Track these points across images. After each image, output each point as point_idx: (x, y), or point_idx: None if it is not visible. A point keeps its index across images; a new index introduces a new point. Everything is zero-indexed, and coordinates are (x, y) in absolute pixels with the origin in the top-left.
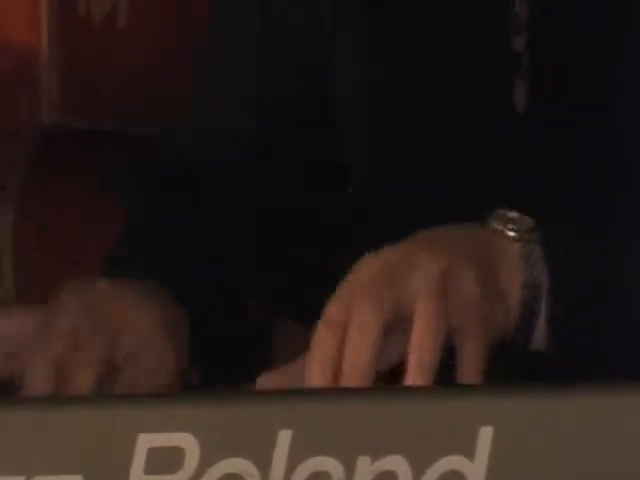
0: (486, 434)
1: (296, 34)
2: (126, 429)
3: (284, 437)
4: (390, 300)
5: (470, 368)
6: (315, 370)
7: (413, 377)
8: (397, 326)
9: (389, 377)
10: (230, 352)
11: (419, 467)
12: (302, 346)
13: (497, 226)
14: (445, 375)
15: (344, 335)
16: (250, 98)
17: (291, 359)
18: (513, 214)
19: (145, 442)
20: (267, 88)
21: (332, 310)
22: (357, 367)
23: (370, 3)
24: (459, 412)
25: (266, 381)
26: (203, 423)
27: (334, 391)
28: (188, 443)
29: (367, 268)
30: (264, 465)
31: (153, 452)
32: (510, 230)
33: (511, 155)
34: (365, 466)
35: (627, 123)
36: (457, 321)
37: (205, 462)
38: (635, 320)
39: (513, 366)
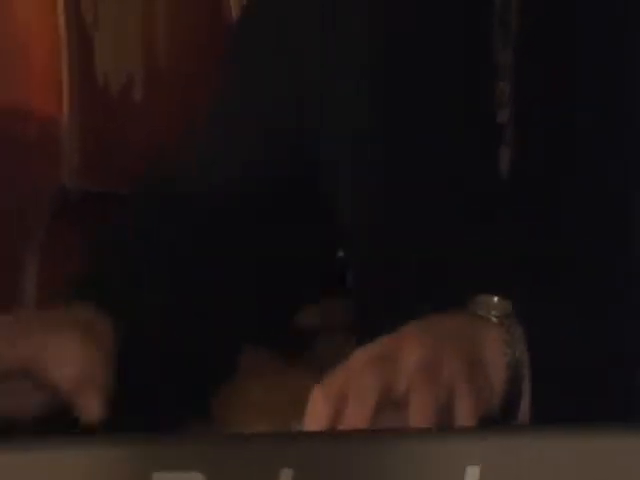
0: (473, 473)
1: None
2: (140, 468)
3: (285, 475)
4: (384, 385)
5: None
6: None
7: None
8: (388, 406)
9: None
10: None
11: None
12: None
13: (481, 312)
14: None
15: (339, 409)
16: (245, 163)
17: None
18: (494, 300)
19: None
20: (264, 155)
21: (330, 385)
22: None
23: (361, 77)
24: (447, 452)
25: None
26: (212, 462)
27: (332, 434)
28: None
29: (363, 355)
30: None
31: None
32: (493, 316)
33: (496, 220)
34: None
35: (607, 192)
36: (447, 400)
37: None
38: (616, 390)
39: None
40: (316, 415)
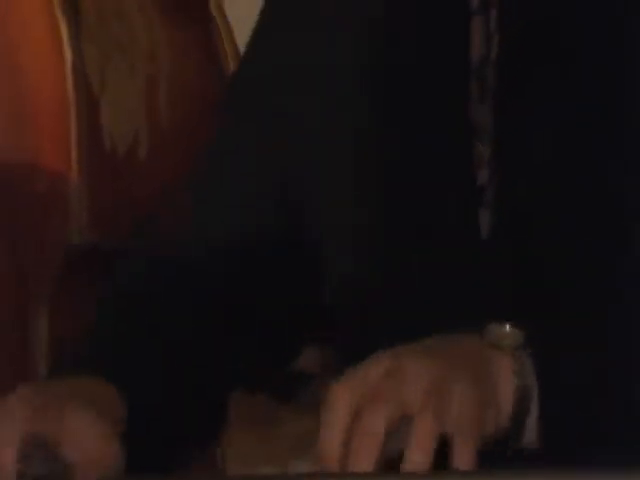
0: None
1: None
2: None
3: None
4: (395, 404)
5: (462, 466)
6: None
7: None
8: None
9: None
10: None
11: None
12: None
13: (492, 340)
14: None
15: (351, 424)
16: (233, 219)
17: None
18: (506, 328)
19: None
20: (250, 213)
21: (341, 400)
22: (364, 462)
23: (346, 141)
24: None
25: None
26: None
27: (330, 475)
28: None
29: (373, 369)
30: None
31: None
32: (504, 344)
33: (478, 279)
34: None
35: (587, 248)
36: (452, 423)
37: None
38: (621, 416)
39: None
40: (329, 452)
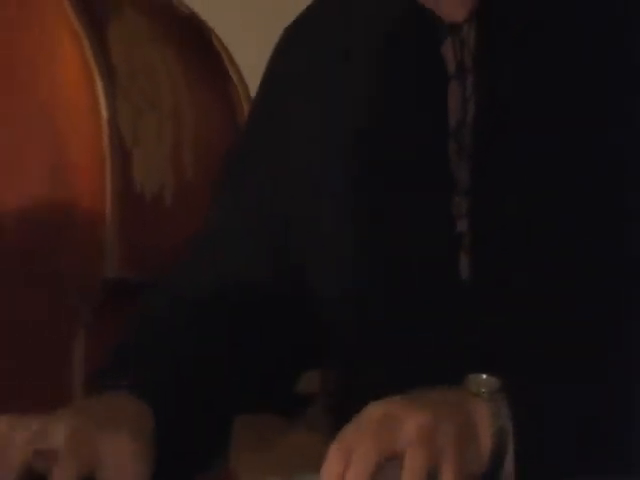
0: None
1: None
2: None
3: None
4: (386, 444)
5: None
6: (333, 466)
7: None
8: (391, 459)
9: None
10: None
11: None
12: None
13: (472, 388)
14: None
15: (349, 462)
16: (241, 269)
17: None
18: (483, 377)
19: None
20: (257, 263)
21: (342, 441)
22: None
23: (338, 201)
24: None
25: None
26: None
27: None
28: None
29: (371, 414)
30: None
31: None
32: (483, 392)
33: (459, 318)
34: None
35: (560, 288)
36: (439, 461)
37: None
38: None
39: None
40: (331, 473)
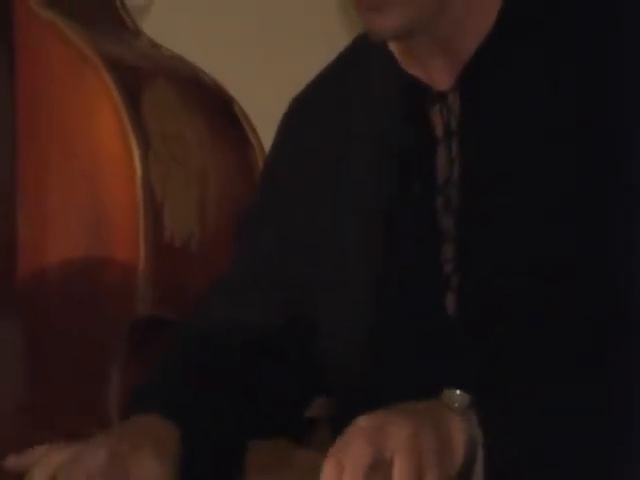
0: None
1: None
2: None
3: None
4: (375, 449)
5: None
6: (330, 473)
7: None
8: (379, 465)
9: None
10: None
11: None
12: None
13: (448, 402)
14: None
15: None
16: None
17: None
18: (457, 393)
19: None
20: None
21: (336, 449)
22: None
23: (343, 253)
24: None
25: None
26: None
27: None
28: None
29: (362, 423)
30: None
31: None
32: (456, 406)
33: (445, 348)
34: None
35: (538, 333)
36: (423, 464)
37: None
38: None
39: None
40: (330, 472)
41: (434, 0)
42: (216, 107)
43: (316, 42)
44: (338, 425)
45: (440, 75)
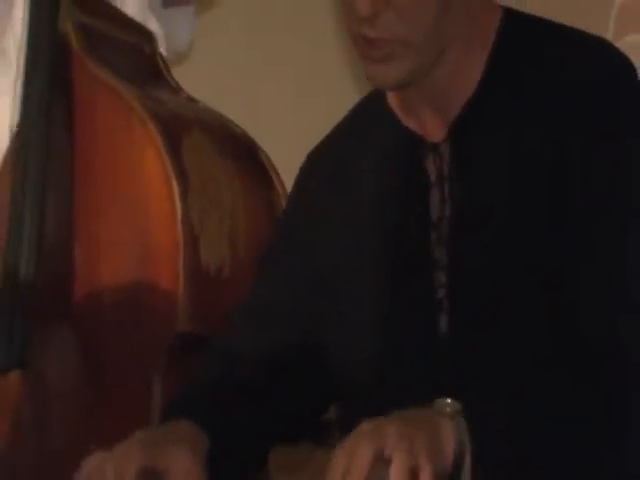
0: None
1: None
2: None
3: None
4: (377, 447)
5: None
6: (338, 467)
7: None
8: (379, 461)
9: None
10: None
11: None
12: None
13: (440, 409)
14: None
15: (351, 460)
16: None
17: None
18: (448, 401)
19: None
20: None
21: (344, 446)
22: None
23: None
24: None
25: None
26: None
27: None
28: None
29: (365, 426)
30: None
31: None
32: (447, 412)
33: (440, 365)
34: None
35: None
36: (418, 461)
37: None
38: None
39: None
40: (335, 469)
41: (431, 54)
42: (244, 154)
43: (331, 99)
44: (347, 428)
45: (433, 128)
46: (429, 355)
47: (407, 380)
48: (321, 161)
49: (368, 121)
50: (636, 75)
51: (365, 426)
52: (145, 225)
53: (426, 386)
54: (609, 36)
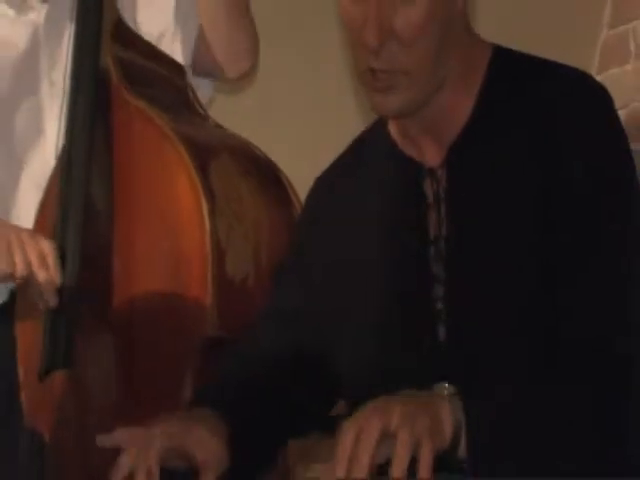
0: None
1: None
2: None
3: None
4: (384, 423)
5: (424, 467)
6: (349, 435)
7: (396, 473)
8: (386, 437)
9: (379, 468)
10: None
11: None
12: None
13: (439, 391)
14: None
15: (360, 435)
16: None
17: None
18: (446, 385)
19: None
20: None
21: (353, 420)
22: (363, 460)
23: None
24: None
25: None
26: None
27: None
28: None
29: (371, 406)
30: None
31: None
32: (445, 394)
33: (435, 365)
34: None
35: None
36: (420, 438)
37: None
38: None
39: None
40: (346, 440)
41: (430, 85)
42: (266, 175)
43: (343, 126)
44: None
45: (430, 154)
46: (428, 362)
47: (408, 380)
48: (328, 184)
49: (371, 148)
50: (612, 104)
51: (372, 404)
52: (177, 240)
53: (425, 383)
54: (594, 69)
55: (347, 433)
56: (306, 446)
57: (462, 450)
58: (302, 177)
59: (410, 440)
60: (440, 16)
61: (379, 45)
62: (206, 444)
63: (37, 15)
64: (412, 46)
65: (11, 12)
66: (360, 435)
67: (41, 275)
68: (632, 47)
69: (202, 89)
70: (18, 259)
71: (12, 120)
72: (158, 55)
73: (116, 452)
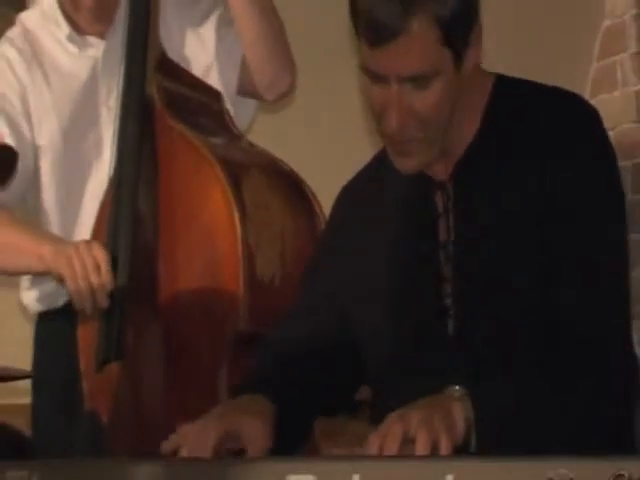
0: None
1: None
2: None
3: (356, 477)
4: (404, 429)
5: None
6: (374, 445)
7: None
8: (407, 443)
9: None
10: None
11: None
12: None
13: (450, 394)
14: None
15: (384, 441)
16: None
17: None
18: (457, 388)
19: None
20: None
21: (377, 433)
22: (391, 450)
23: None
24: (431, 466)
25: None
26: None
27: (384, 456)
28: None
29: (393, 417)
30: None
31: None
32: (457, 395)
33: (446, 357)
34: None
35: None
36: (437, 437)
37: None
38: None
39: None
40: (371, 450)
41: (442, 135)
42: (292, 187)
43: (361, 147)
44: (375, 406)
45: (440, 169)
46: (439, 351)
47: (421, 369)
48: (352, 193)
49: (388, 163)
50: (602, 123)
51: (393, 416)
52: (213, 245)
53: (436, 372)
54: (586, 95)
55: (372, 443)
56: (330, 425)
57: (473, 446)
58: (328, 192)
59: (429, 438)
60: (454, 85)
61: (400, 129)
62: (254, 426)
63: (96, 51)
64: (430, 121)
65: (75, 50)
66: (383, 444)
67: (95, 279)
68: (619, 76)
69: (245, 112)
70: (77, 268)
71: (80, 148)
72: (197, 83)
73: (167, 432)
